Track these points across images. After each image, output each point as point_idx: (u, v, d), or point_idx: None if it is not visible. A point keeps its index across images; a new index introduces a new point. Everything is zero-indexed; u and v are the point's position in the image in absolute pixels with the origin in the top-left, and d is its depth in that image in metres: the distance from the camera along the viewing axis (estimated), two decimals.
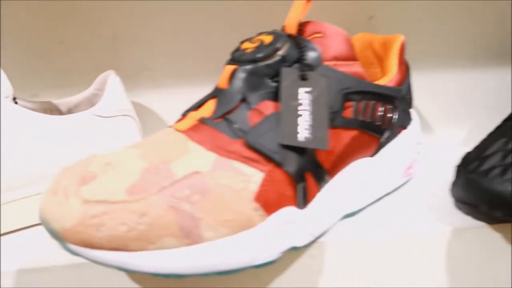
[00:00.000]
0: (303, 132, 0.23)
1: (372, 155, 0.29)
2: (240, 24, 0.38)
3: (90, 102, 0.34)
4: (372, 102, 0.27)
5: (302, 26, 0.27)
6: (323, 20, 0.36)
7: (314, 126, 0.23)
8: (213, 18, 0.38)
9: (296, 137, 0.23)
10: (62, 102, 0.35)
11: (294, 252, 0.25)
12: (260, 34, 0.26)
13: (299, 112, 0.23)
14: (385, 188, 0.30)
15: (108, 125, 0.31)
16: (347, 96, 0.25)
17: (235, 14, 0.38)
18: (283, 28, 0.27)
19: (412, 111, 0.33)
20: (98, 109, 0.31)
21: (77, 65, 0.37)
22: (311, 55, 0.25)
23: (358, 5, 0.37)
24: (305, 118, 0.23)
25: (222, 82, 0.25)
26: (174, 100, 0.37)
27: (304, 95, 0.24)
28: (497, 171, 0.24)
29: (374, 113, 0.27)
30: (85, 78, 0.37)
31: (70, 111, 0.35)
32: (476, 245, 0.26)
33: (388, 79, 0.30)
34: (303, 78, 0.24)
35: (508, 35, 0.38)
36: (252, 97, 0.24)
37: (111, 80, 0.32)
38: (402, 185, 0.32)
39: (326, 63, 0.25)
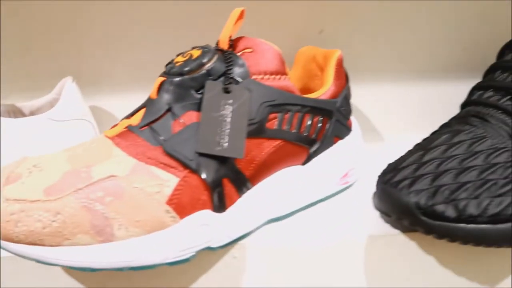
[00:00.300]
0: (220, 141, 0.25)
1: (303, 164, 0.31)
2: (202, 32, 0.40)
3: (51, 106, 0.37)
4: (300, 114, 0.29)
5: (235, 41, 0.29)
6: (275, 33, 0.38)
7: (231, 136, 0.25)
8: (173, 25, 0.39)
9: (213, 146, 0.24)
10: (26, 105, 0.37)
11: (218, 251, 0.27)
12: (193, 48, 0.28)
13: (219, 123, 0.25)
14: (317, 195, 0.31)
15: (62, 129, 0.33)
16: (272, 108, 0.27)
17: (195, 22, 0.39)
18: (217, 43, 0.29)
19: (353, 122, 0.35)
20: (53, 113, 0.33)
21: (45, 69, 0.40)
22: (237, 69, 0.27)
23: (309, 20, 0.38)
24: (223, 128, 0.25)
25: (153, 93, 0.27)
26: (134, 104, 0.39)
27: (225, 106, 0.26)
28: (406, 182, 0.26)
29: (301, 125, 0.29)
30: (53, 82, 0.39)
31: (32, 114, 0.37)
32: (391, 251, 0.28)
33: (323, 91, 0.32)
34: (226, 91, 0.26)
35: (453, 49, 0.39)
36: (178, 108, 0.25)
37: (67, 86, 0.34)
38: (340, 192, 0.34)
39: (254, 77, 0.27)
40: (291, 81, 0.36)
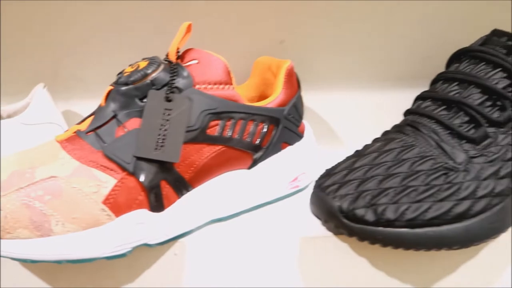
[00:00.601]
0: (157, 146, 0.27)
1: (249, 168, 0.32)
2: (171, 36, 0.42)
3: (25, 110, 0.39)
4: (243, 121, 0.30)
5: (184, 53, 0.31)
6: (238, 43, 0.40)
7: (168, 142, 0.27)
8: (148, 31, 0.41)
9: (150, 150, 0.26)
10: (5, 109, 0.40)
11: (161, 248, 0.29)
12: (143, 59, 0.30)
13: (158, 129, 0.27)
14: (263, 198, 0.33)
15: (32, 132, 0.36)
16: (213, 115, 0.29)
17: (165, 27, 0.41)
18: (167, 55, 0.31)
19: (306, 129, 0.37)
20: (24, 117, 0.36)
21: (24, 74, 0.42)
22: (181, 79, 0.29)
23: (270, 30, 0.40)
24: (162, 134, 0.27)
25: (102, 101, 0.29)
26: None
27: (166, 114, 0.27)
28: (334, 187, 0.27)
29: (244, 131, 0.31)
30: (31, 87, 0.42)
31: (9, 117, 0.40)
32: (325, 252, 0.29)
33: (271, 99, 0.33)
34: (168, 99, 0.28)
35: (414, 58, 0.40)
36: (122, 115, 0.27)
37: (38, 91, 0.37)
38: (290, 195, 0.35)
39: (197, 86, 0.29)
40: (250, 89, 0.39)
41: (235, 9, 0.40)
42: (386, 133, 0.32)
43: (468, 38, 0.35)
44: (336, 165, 0.30)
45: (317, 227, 0.30)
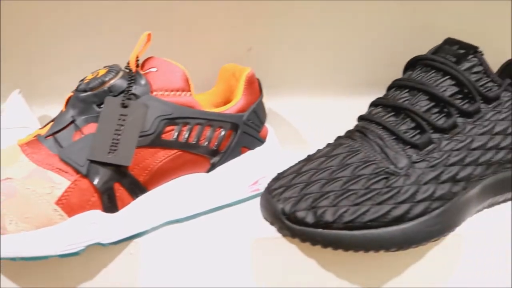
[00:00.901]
0: (110, 150, 0.28)
1: (207, 171, 0.33)
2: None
3: None
4: (200, 126, 0.32)
5: (144, 61, 0.32)
6: (205, 51, 0.42)
7: (122, 146, 0.28)
8: (124, 36, 0.41)
9: (103, 154, 0.28)
10: None
11: (116, 247, 0.30)
12: (104, 67, 0.32)
13: (112, 134, 0.28)
14: (222, 201, 0.34)
15: (6, 136, 0.38)
16: (169, 121, 0.30)
17: (140, 35, 0.43)
18: (128, 63, 0.32)
19: (269, 134, 0.38)
20: None
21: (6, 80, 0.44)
22: (138, 86, 0.30)
23: (238, 38, 0.41)
24: (116, 139, 0.28)
25: (63, 106, 0.30)
26: None
27: (121, 120, 0.29)
28: (280, 190, 0.28)
29: (200, 136, 0.32)
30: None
31: None
32: (275, 253, 0.30)
33: (230, 105, 0.35)
34: (124, 105, 0.29)
35: (378, 65, 0.41)
36: (80, 120, 0.29)
37: (12, 97, 0.39)
38: (250, 198, 0.36)
39: (154, 93, 0.31)
40: (216, 95, 0.40)
41: (205, 18, 0.42)
42: (338, 138, 0.33)
43: (431, 45, 0.36)
44: (287, 168, 0.31)
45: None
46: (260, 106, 0.37)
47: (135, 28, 0.42)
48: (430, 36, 0.38)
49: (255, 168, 0.36)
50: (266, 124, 0.40)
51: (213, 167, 0.34)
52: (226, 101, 0.41)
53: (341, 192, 0.27)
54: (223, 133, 0.33)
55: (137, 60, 0.32)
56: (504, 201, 0.34)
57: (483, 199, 0.32)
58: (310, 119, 0.43)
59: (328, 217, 0.26)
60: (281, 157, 0.38)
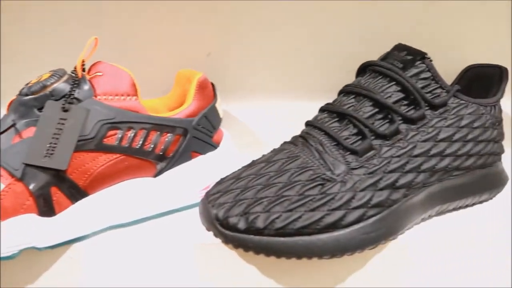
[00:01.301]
0: (47, 154, 0.28)
1: (155, 176, 0.33)
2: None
3: None
4: (145, 131, 0.32)
5: (92, 66, 0.32)
6: (165, 56, 0.42)
7: (59, 150, 0.28)
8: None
9: (39, 158, 0.28)
10: None
11: (56, 251, 0.30)
12: (49, 72, 0.32)
13: (50, 138, 0.28)
14: (170, 205, 0.34)
15: None
16: (111, 125, 0.30)
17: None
18: (74, 68, 0.32)
19: (224, 139, 0.38)
20: None
21: None
22: (81, 91, 0.30)
23: (197, 43, 0.41)
24: (54, 142, 0.28)
25: (6, 110, 0.30)
26: None
27: (60, 124, 0.29)
28: (216, 195, 0.28)
29: (145, 141, 0.32)
30: None
31: None
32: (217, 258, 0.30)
33: (180, 110, 0.35)
34: (64, 109, 0.29)
35: (338, 72, 0.41)
36: (21, 124, 0.29)
37: None
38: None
39: (98, 97, 0.31)
40: (172, 99, 0.40)
41: (164, 23, 0.42)
42: (283, 143, 0.32)
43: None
44: (229, 174, 0.31)
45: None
46: (213, 111, 0.37)
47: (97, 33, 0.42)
48: (390, 41, 0.38)
49: (206, 173, 0.36)
50: (223, 129, 0.40)
51: (160, 172, 0.34)
52: (182, 106, 0.41)
53: (275, 198, 0.27)
54: (170, 138, 0.33)
55: (83, 65, 0.32)
56: (454, 209, 0.34)
57: (429, 206, 0.31)
58: (268, 123, 0.43)
59: (260, 223, 0.26)
60: (236, 161, 0.38)
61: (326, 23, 0.41)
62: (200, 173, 0.35)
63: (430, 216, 0.32)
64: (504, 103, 0.37)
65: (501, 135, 0.35)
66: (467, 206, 0.34)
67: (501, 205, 0.35)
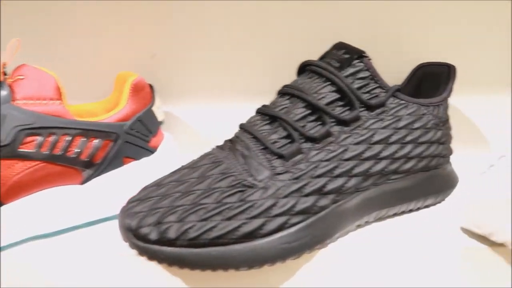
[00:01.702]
0: None
1: (82, 183, 0.32)
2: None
3: None
4: (68, 136, 0.30)
5: (15, 69, 0.31)
6: (111, 58, 0.40)
7: None
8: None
9: None
10: None
11: None
12: None
13: None
14: (100, 213, 0.32)
15: None
16: (29, 131, 0.29)
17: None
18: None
19: (164, 143, 0.36)
20: None
21: None
22: None
23: (141, 44, 0.40)
24: None
25: None
26: None
27: None
28: (134, 204, 0.27)
29: (68, 147, 0.30)
30: None
31: None
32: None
33: (111, 114, 0.33)
34: None
35: (277, 71, 0.40)
36: None
37: None
38: None
39: (17, 102, 0.29)
40: (111, 103, 0.38)
41: (109, 24, 0.41)
42: (214, 148, 0.31)
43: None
44: (154, 180, 0.29)
45: None
46: (148, 114, 0.35)
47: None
48: (349, 40, 0.36)
49: (140, 179, 0.34)
50: (166, 132, 0.39)
51: (88, 179, 0.32)
52: None
53: (190, 207, 0.25)
54: (97, 143, 0.32)
55: (4, 68, 0.31)
56: (396, 214, 0.32)
57: (365, 212, 0.30)
58: (215, 125, 0.41)
59: (172, 233, 0.24)
60: (175, 166, 0.37)
61: (273, 22, 0.40)
62: (132, 180, 0.34)
63: (367, 223, 0.30)
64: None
65: (447, 136, 0.33)
66: (411, 211, 0.32)
67: (451, 209, 0.33)
